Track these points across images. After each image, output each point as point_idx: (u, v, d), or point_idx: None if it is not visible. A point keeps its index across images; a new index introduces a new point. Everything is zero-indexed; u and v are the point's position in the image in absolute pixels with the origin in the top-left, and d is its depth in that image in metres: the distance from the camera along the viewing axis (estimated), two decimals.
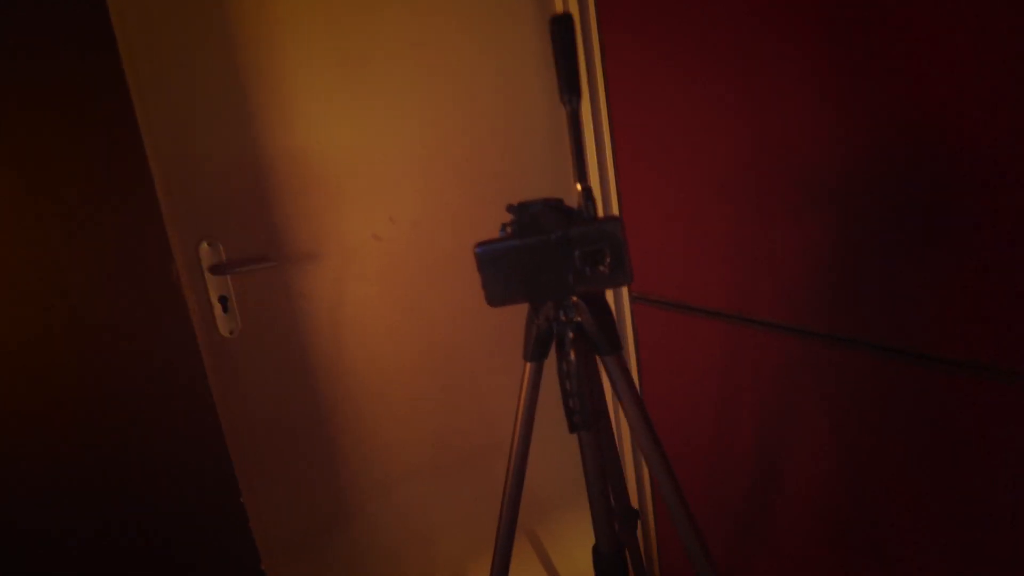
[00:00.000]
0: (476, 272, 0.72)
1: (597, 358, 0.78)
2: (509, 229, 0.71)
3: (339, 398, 1.36)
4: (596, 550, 0.88)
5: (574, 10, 1.33)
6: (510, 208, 0.70)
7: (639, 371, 1.41)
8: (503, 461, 1.48)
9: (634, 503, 1.55)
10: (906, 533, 0.94)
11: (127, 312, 1.05)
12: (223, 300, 1.24)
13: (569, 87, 0.70)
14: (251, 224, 1.25)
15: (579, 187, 0.71)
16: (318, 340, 1.33)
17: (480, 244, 0.72)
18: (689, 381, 1.27)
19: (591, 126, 1.36)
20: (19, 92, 0.94)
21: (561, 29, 0.69)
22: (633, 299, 1.36)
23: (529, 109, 1.47)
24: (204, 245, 1.21)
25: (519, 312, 0.80)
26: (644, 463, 1.51)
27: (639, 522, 1.56)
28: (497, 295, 0.73)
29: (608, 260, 0.67)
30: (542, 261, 0.70)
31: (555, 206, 0.69)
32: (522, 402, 0.80)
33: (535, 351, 0.78)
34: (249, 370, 1.27)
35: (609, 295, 1.44)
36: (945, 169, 0.78)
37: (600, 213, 0.71)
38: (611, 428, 0.92)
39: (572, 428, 0.77)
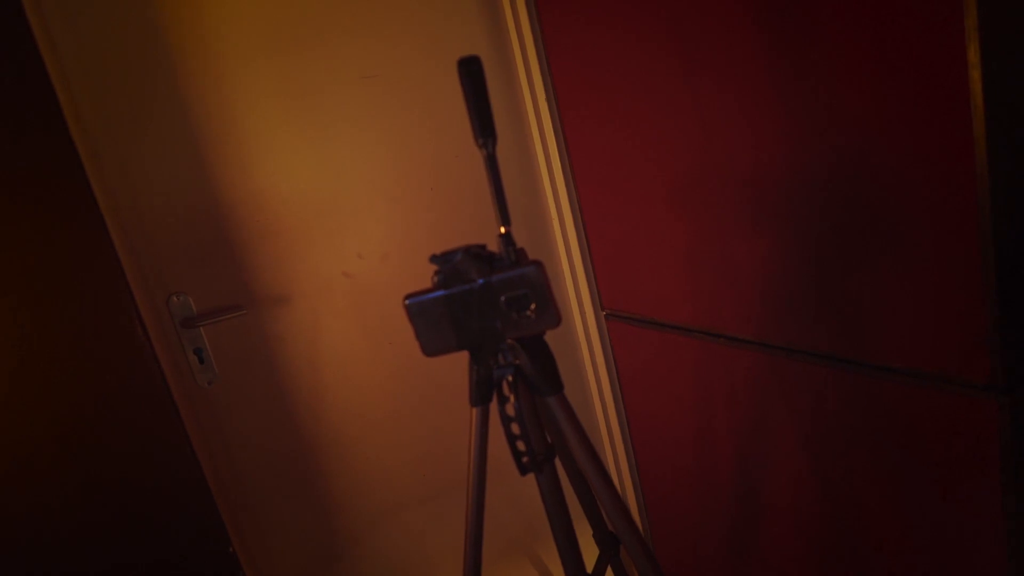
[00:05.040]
0: None
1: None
2: (436, 278, 0.71)
3: (324, 436, 1.36)
4: None
5: (526, 32, 1.32)
6: (433, 259, 0.70)
7: (620, 387, 1.39)
8: (492, 485, 1.47)
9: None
10: (877, 539, 0.92)
11: (97, 375, 1.06)
12: (198, 352, 1.25)
13: (483, 130, 0.69)
14: (219, 274, 1.25)
15: (502, 231, 0.70)
16: (298, 381, 1.34)
17: (409, 296, 0.72)
18: (667, 395, 1.25)
19: (553, 148, 1.35)
20: None
21: (470, 71, 0.68)
22: (607, 316, 1.34)
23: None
24: (173, 299, 1.22)
25: None
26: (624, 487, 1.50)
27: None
28: (431, 345, 0.73)
29: (533, 305, 0.66)
30: (469, 309, 0.69)
31: (476, 253, 0.68)
32: (472, 448, 0.80)
33: (478, 396, 0.77)
34: (230, 418, 1.28)
35: (580, 313, 1.43)
36: (894, 183, 0.75)
37: (528, 256, 0.70)
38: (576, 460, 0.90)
39: (522, 471, 0.76)
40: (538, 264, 0.66)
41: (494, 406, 0.78)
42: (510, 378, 0.73)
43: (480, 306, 0.68)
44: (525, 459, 0.74)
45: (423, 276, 1.40)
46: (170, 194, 1.19)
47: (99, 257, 1.05)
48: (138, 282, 1.15)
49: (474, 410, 0.78)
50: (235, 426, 1.29)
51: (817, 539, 1.03)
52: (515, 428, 0.75)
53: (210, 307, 1.24)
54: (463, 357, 0.78)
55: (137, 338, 1.09)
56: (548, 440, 0.81)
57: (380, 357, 1.40)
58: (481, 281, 0.67)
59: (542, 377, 0.72)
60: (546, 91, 1.30)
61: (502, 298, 0.67)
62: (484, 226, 1.44)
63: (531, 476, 0.81)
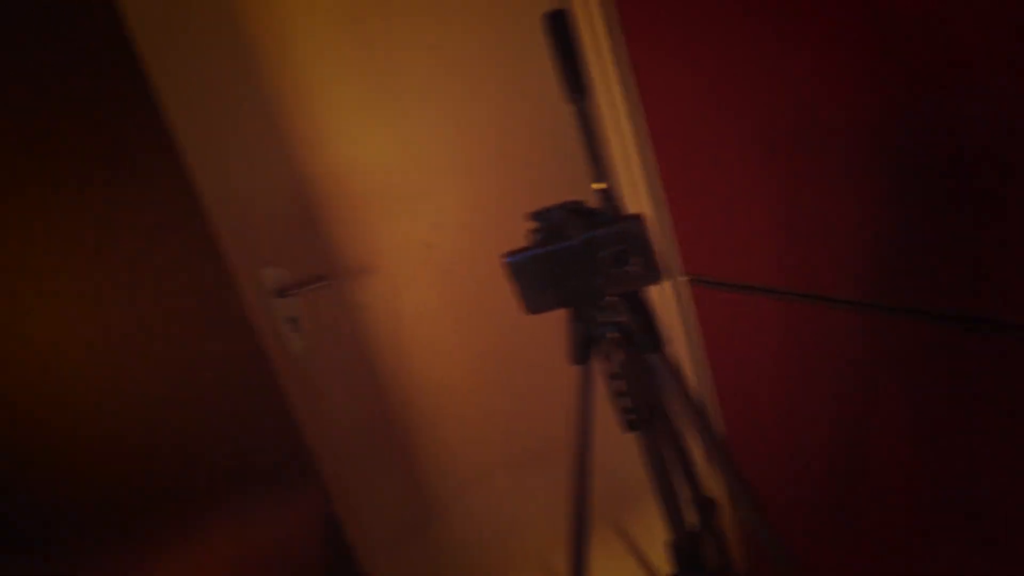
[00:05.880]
0: None
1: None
2: (534, 236, 0.70)
3: (409, 403, 1.40)
4: (671, 544, 0.86)
5: None
6: (532, 215, 0.69)
7: (707, 355, 1.36)
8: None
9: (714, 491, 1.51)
10: (998, 504, 0.86)
11: (199, 346, 1.12)
12: (292, 320, 1.31)
13: (573, 85, 0.68)
14: (307, 246, 1.30)
15: (600, 186, 0.69)
16: (383, 348, 1.38)
17: (509, 254, 0.72)
18: (760, 363, 1.21)
19: (624, 111, 1.31)
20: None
21: (557, 25, 0.67)
22: (692, 281, 1.30)
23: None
24: (267, 271, 1.27)
25: None
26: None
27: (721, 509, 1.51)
28: (533, 303, 0.73)
29: (634, 260, 0.65)
30: (570, 266, 0.68)
31: (575, 209, 0.67)
32: (576, 407, 0.80)
33: (580, 354, 0.76)
34: (324, 385, 1.34)
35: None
36: (1007, 129, 0.69)
37: (627, 209, 0.68)
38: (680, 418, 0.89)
39: (629, 429, 0.76)
40: (639, 218, 0.64)
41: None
42: (612, 335, 0.72)
43: (580, 262, 0.68)
44: (631, 417, 0.74)
45: (503, 246, 1.40)
46: (259, 175, 1.24)
47: (195, 230, 1.11)
48: (234, 255, 1.20)
49: (576, 368, 0.78)
50: (328, 393, 1.34)
51: (927, 511, 0.98)
52: (619, 386, 0.74)
53: (296, 279, 1.29)
54: (545, 321, 0.78)
55: (235, 309, 1.14)
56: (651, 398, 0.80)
57: (462, 327, 1.42)
58: (582, 237, 0.66)
59: (645, 334, 0.71)
60: (612, 37, 1.26)
61: (603, 254, 0.66)
62: (560, 189, 1.42)
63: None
